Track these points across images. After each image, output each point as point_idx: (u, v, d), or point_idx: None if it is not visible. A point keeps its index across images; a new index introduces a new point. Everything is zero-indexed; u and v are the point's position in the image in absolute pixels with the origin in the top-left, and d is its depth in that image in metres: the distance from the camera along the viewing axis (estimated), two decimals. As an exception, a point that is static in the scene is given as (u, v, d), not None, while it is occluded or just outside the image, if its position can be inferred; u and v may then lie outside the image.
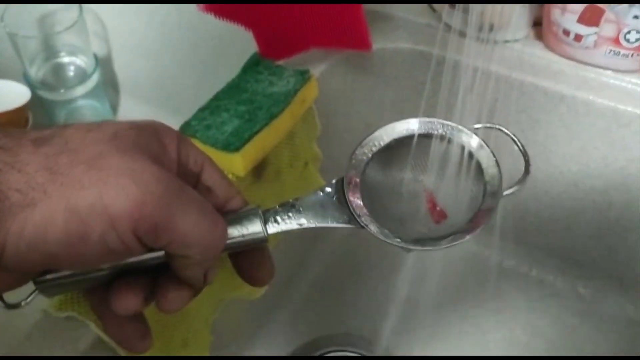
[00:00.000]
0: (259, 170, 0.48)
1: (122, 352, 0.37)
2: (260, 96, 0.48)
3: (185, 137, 0.31)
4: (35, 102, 0.67)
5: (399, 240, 0.33)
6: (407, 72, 0.59)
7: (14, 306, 0.30)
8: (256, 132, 0.45)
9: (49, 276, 0.28)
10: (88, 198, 0.24)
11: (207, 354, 0.47)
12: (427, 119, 0.36)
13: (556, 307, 0.62)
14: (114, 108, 0.77)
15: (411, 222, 0.36)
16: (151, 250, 0.27)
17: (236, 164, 0.44)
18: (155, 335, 0.32)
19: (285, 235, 0.33)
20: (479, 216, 0.34)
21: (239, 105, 0.47)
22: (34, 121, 0.66)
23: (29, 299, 0.29)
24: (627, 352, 0.58)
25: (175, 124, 0.42)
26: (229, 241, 0.30)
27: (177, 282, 0.29)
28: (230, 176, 0.45)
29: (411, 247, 0.33)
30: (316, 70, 0.54)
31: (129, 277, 0.29)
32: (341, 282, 0.66)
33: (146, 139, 0.28)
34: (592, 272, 0.62)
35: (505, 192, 0.34)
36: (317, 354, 0.59)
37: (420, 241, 0.33)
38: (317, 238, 0.69)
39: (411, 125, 0.36)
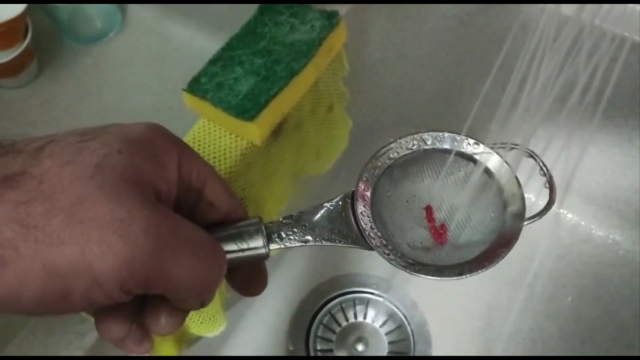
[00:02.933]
0: (276, 128, 0.43)
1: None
2: (280, 45, 0.41)
3: (187, 148, 0.27)
4: (35, 7, 0.61)
5: (410, 270, 0.30)
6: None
7: None
8: (274, 95, 0.39)
9: None
10: (69, 256, 0.21)
11: (223, 317, 0.46)
12: (443, 133, 0.32)
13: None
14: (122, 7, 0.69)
15: (425, 245, 0.33)
16: None
17: (252, 133, 0.40)
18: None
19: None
20: (498, 244, 0.30)
21: (255, 57, 0.41)
22: (36, 27, 0.60)
23: None
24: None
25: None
26: (229, 255, 0.28)
27: (170, 308, 0.27)
28: (244, 143, 0.41)
29: (423, 276, 0.30)
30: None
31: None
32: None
33: (138, 164, 0.24)
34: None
35: (525, 222, 0.31)
36: (334, 294, 0.59)
37: (434, 269, 0.30)
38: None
39: (427, 140, 0.33)
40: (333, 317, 0.58)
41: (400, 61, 0.56)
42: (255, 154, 0.42)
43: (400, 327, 0.57)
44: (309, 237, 0.30)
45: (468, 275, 0.30)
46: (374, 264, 0.60)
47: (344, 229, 0.31)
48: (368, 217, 0.31)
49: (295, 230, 0.30)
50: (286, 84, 0.40)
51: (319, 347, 0.57)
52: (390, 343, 0.56)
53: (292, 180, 0.50)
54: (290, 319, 0.58)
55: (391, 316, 0.57)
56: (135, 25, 0.69)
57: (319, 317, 0.57)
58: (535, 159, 0.34)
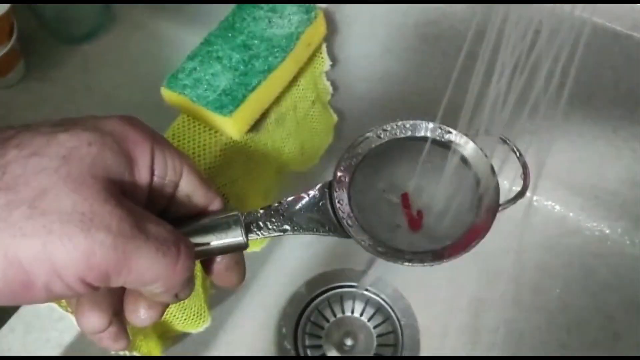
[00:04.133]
0: (256, 123, 0.43)
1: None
2: (258, 40, 0.42)
3: (161, 141, 0.27)
4: (22, 7, 0.61)
5: (385, 256, 0.30)
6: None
7: None
8: (252, 90, 0.39)
9: None
10: (30, 247, 0.21)
11: (208, 313, 0.46)
12: (424, 122, 0.33)
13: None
14: (110, 6, 0.69)
15: (401, 232, 0.33)
16: None
17: (230, 128, 0.40)
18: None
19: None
20: (473, 230, 0.31)
21: (234, 52, 0.41)
22: (23, 28, 0.60)
23: None
24: None
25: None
26: (205, 248, 0.28)
27: (148, 300, 0.27)
28: (224, 138, 0.41)
29: (400, 263, 0.30)
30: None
31: (98, 294, 0.27)
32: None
33: (107, 159, 0.24)
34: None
35: (500, 208, 0.31)
36: (323, 289, 0.59)
37: (412, 255, 0.31)
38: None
39: (406, 128, 0.33)
40: (321, 313, 0.58)
41: (385, 55, 0.56)
42: (235, 150, 0.42)
43: (388, 319, 0.57)
44: (287, 227, 0.30)
45: (444, 261, 0.31)
46: (360, 259, 0.60)
47: (322, 218, 0.31)
48: (346, 205, 0.31)
49: (274, 220, 0.30)
50: (264, 79, 0.40)
51: (307, 343, 0.57)
52: (378, 336, 0.56)
53: (277, 175, 0.50)
54: (279, 316, 0.58)
55: (379, 309, 0.58)
56: (123, 24, 0.69)
57: (306, 313, 0.58)
58: (509, 145, 0.34)
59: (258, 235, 0.30)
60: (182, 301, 0.42)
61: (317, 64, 0.48)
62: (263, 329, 0.58)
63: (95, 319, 0.26)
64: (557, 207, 0.60)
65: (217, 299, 0.55)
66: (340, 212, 0.31)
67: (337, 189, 0.31)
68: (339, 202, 0.31)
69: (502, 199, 0.32)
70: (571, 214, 0.60)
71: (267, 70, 0.40)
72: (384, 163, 0.33)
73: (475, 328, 0.57)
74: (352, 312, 0.58)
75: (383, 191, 0.34)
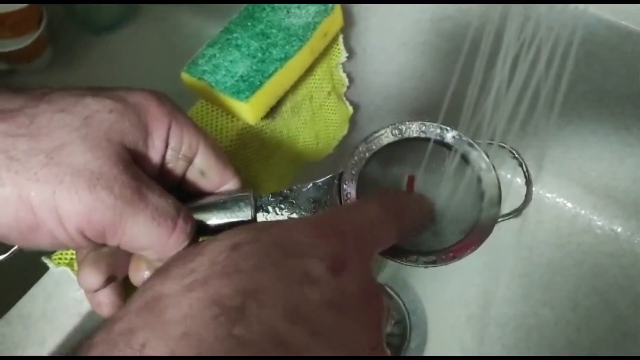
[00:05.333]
0: (272, 110, 0.44)
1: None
2: (276, 29, 0.43)
3: (181, 118, 0.29)
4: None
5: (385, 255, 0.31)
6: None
7: None
8: (269, 77, 0.41)
9: None
10: (41, 193, 0.24)
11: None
12: (435, 124, 0.33)
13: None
14: (135, -2, 0.71)
15: None
16: None
17: (246, 113, 0.41)
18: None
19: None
20: (472, 236, 0.32)
21: (252, 40, 0.42)
22: (52, 16, 0.62)
23: (8, 254, 0.31)
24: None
25: None
26: (213, 225, 0.29)
27: (149, 263, 0.29)
28: (240, 123, 0.42)
29: (398, 261, 0.31)
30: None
31: (102, 252, 0.29)
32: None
33: (125, 126, 0.26)
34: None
35: (500, 219, 0.32)
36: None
37: (412, 253, 0.31)
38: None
39: (417, 128, 0.34)
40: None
41: (401, 49, 0.57)
42: (251, 135, 0.43)
43: (396, 310, 0.58)
44: (295, 214, 0.31)
45: (443, 264, 0.32)
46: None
47: (329, 208, 0.32)
48: (354, 198, 0.32)
49: (282, 206, 0.31)
50: (281, 66, 0.41)
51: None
52: (386, 326, 0.57)
53: (292, 164, 0.51)
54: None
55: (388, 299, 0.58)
56: (146, 15, 0.71)
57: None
58: (517, 158, 0.35)
59: (266, 219, 0.31)
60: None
61: (334, 55, 0.49)
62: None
63: (92, 277, 0.28)
64: (569, 205, 0.61)
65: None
66: (349, 202, 0.32)
67: (346, 181, 0.32)
68: (347, 194, 0.32)
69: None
70: (583, 212, 0.60)
71: (283, 58, 0.41)
72: (394, 161, 0.34)
73: (483, 321, 0.57)
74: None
75: (391, 187, 0.35)
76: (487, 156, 0.33)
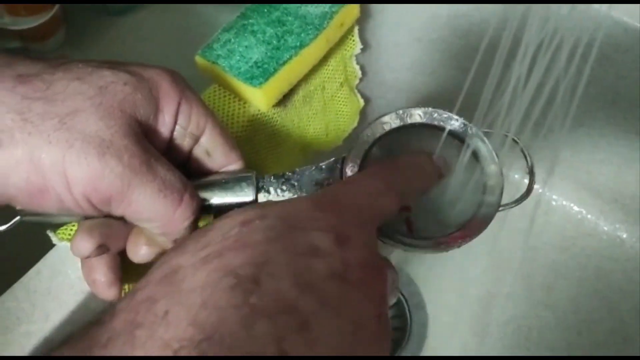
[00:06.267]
0: (284, 98, 0.44)
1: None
2: (292, 17, 0.43)
3: (191, 97, 0.29)
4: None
5: (387, 239, 0.31)
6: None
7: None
8: (283, 64, 0.41)
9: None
10: (52, 155, 0.24)
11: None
12: (441, 111, 0.34)
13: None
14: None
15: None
16: None
17: (258, 99, 0.41)
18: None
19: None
20: (472, 224, 0.32)
21: (268, 27, 0.42)
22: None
23: (9, 225, 0.30)
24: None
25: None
26: (215, 203, 0.30)
27: (148, 239, 0.29)
28: (252, 109, 0.42)
29: (399, 246, 0.31)
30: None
31: (96, 221, 0.29)
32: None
33: (138, 100, 0.27)
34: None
35: (501, 208, 0.32)
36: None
37: (412, 239, 0.32)
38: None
39: (422, 115, 0.34)
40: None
41: (415, 44, 0.57)
42: (262, 122, 0.43)
43: (397, 303, 0.58)
44: (296, 196, 0.32)
45: (442, 250, 0.32)
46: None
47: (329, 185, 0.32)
48: None
49: (284, 187, 0.32)
50: (295, 54, 0.41)
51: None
52: (387, 320, 0.57)
53: (301, 153, 0.51)
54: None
55: (389, 293, 0.59)
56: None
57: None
58: (522, 150, 0.35)
59: (267, 199, 0.31)
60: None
61: (348, 46, 0.49)
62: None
63: (84, 242, 0.28)
64: (576, 208, 0.61)
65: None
66: None
67: (349, 165, 0.32)
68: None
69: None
70: (589, 216, 0.60)
71: (299, 46, 0.41)
72: (397, 147, 0.34)
73: (484, 320, 0.57)
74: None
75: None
76: (491, 145, 0.33)
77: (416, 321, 0.57)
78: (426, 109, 0.34)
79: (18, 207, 0.29)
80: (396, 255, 0.60)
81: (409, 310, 0.58)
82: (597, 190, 0.59)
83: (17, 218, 0.29)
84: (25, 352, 0.35)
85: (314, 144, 0.52)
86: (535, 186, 0.57)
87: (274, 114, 0.44)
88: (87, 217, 0.29)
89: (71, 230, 0.36)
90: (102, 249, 0.29)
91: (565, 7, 0.31)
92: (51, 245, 0.37)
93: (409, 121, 0.34)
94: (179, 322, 0.20)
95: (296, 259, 0.22)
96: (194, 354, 0.19)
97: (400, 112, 0.34)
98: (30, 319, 0.36)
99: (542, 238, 0.60)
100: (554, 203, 0.61)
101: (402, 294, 0.58)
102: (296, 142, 0.49)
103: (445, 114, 0.34)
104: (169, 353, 0.19)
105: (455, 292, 0.58)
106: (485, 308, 0.58)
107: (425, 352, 0.56)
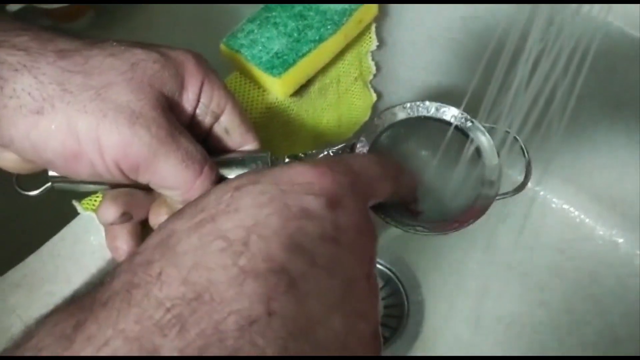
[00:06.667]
0: (301, 89, 0.47)
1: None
2: (314, 12, 0.45)
3: (213, 78, 0.32)
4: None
5: (389, 219, 0.33)
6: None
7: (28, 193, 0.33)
8: (302, 56, 0.43)
9: (58, 175, 0.31)
10: (87, 123, 0.26)
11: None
12: (448, 107, 0.36)
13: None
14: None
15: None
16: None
17: (277, 88, 0.43)
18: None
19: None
20: (471, 211, 0.34)
21: (290, 20, 0.44)
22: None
23: (41, 190, 0.33)
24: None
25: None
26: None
27: (170, 207, 0.32)
28: (270, 97, 0.45)
29: (401, 227, 0.34)
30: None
31: (121, 191, 0.32)
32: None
33: (165, 77, 0.29)
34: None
35: (498, 197, 0.34)
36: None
37: (415, 223, 0.34)
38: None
39: (430, 109, 0.36)
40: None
41: (430, 44, 0.59)
42: (279, 110, 0.46)
43: (395, 293, 0.60)
44: None
45: (440, 233, 0.34)
46: (380, 233, 0.63)
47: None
48: None
49: None
50: (314, 48, 0.43)
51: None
52: (385, 307, 0.60)
53: (313, 142, 0.54)
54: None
55: (388, 282, 0.61)
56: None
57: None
58: (521, 147, 0.37)
59: None
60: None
61: (365, 42, 0.51)
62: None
63: (110, 209, 0.31)
64: (575, 212, 0.63)
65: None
66: None
67: (358, 150, 0.35)
68: None
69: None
70: (587, 220, 0.62)
71: (318, 40, 0.44)
72: (404, 137, 0.37)
73: (478, 314, 0.60)
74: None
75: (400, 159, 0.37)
76: (492, 141, 0.35)
77: (413, 309, 0.60)
78: (436, 103, 0.36)
79: (52, 173, 0.31)
80: (397, 244, 0.62)
81: (407, 299, 0.60)
82: (596, 195, 0.61)
83: (48, 184, 0.32)
84: (47, 310, 0.38)
85: (326, 134, 0.54)
86: (536, 188, 0.59)
87: (291, 103, 0.46)
88: (113, 186, 0.31)
89: (95, 200, 0.38)
90: (125, 216, 0.31)
91: (568, 12, 0.33)
92: (75, 214, 0.40)
93: (418, 114, 0.36)
94: (172, 282, 0.21)
95: (287, 222, 0.23)
96: (185, 312, 0.20)
97: (409, 104, 0.36)
98: (53, 280, 0.39)
99: (540, 239, 0.62)
100: (553, 205, 0.63)
101: (402, 284, 0.61)
102: (309, 131, 0.51)
103: (454, 110, 0.36)
104: (162, 310, 0.20)
105: (452, 284, 0.61)
106: (480, 302, 0.60)
107: (421, 341, 0.59)
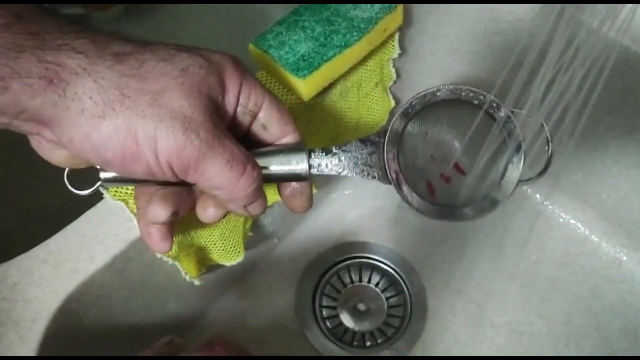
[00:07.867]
0: (323, 91, 0.48)
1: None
2: (341, 18, 0.46)
3: (250, 79, 0.33)
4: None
5: (422, 210, 0.35)
6: None
7: (79, 192, 0.34)
8: (327, 60, 0.45)
9: (111, 175, 0.33)
10: (146, 128, 0.28)
11: (243, 249, 0.51)
12: (482, 91, 0.36)
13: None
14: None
15: (439, 189, 0.38)
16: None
17: (301, 89, 0.45)
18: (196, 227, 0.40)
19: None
20: (484, 203, 0.36)
21: (317, 25, 0.46)
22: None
23: (92, 190, 0.34)
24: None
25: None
26: (270, 172, 0.34)
27: (217, 203, 0.34)
28: (294, 97, 0.46)
29: (433, 217, 0.36)
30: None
31: (169, 191, 0.33)
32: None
33: (211, 82, 0.30)
34: None
35: (521, 183, 0.36)
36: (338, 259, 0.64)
37: (444, 211, 0.36)
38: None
39: (469, 94, 0.37)
40: (340, 277, 0.63)
41: (451, 55, 0.60)
42: (302, 110, 0.47)
43: (400, 293, 0.62)
44: (341, 169, 0.36)
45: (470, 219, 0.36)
46: (385, 235, 0.65)
47: (371, 166, 0.36)
48: (394, 156, 0.36)
49: (332, 161, 0.36)
50: (339, 53, 0.45)
51: (324, 303, 0.62)
52: (389, 307, 0.62)
53: (332, 142, 0.55)
54: (303, 271, 0.63)
55: (393, 283, 0.63)
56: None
57: (327, 276, 0.63)
58: (547, 135, 0.37)
59: (317, 171, 0.36)
60: (225, 232, 0.48)
61: (388, 50, 0.53)
62: (287, 280, 0.63)
63: (161, 210, 0.33)
64: (581, 228, 0.64)
65: (252, 242, 0.61)
66: (386, 160, 0.36)
67: (390, 138, 0.36)
68: (390, 152, 0.36)
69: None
70: (593, 237, 0.63)
71: (343, 45, 0.45)
72: (436, 120, 0.38)
73: (479, 320, 0.61)
74: (369, 281, 0.63)
75: (430, 146, 0.38)
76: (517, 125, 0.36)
77: (416, 310, 0.61)
78: (469, 87, 0.37)
79: (106, 172, 0.32)
80: (405, 248, 0.64)
81: (410, 301, 0.62)
82: (603, 213, 0.62)
83: (99, 183, 0.33)
84: (70, 287, 0.40)
85: (344, 135, 0.56)
86: (545, 202, 0.60)
87: (313, 104, 0.48)
88: (159, 184, 0.33)
89: (123, 191, 0.40)
90: (175, 215, 0.33)
91: (584, 31, 0.34)
92: (100, 198, 0.41)
93: (447, 97, 0.37)
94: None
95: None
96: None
97: (442, 88, 0.37)
98: (77, 258, 0.41)
99: (545, 252, 0.64)
100: (560, 220, 0.64)
101: (406, 285, 0.62)
102: (329, 131, 0.53)
103: (488, 95, 0.36)
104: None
105: (455, 288, 0.62)
106: (482, 308, 0.62)
107: (421, 342, 0.60)
